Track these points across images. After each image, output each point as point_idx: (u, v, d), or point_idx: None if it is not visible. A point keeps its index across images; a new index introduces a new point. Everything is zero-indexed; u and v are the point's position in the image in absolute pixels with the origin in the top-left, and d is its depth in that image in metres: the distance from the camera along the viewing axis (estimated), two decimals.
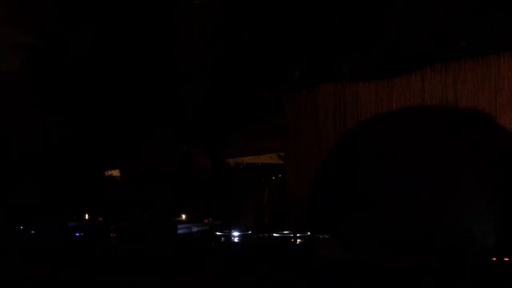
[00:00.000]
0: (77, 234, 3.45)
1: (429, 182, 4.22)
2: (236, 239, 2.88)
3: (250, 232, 2.94)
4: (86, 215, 3.83)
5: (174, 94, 6.18)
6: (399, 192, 4.31)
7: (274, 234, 2.80)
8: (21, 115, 6.39)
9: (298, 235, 2.74)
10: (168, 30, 6.13)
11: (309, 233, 2.81)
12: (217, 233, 2.99)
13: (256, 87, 5.84)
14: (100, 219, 3.69)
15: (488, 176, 4.04)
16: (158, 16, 6.10)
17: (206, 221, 3.42)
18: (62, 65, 6.33)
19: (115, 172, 6.68)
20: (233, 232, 2.90)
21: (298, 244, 2.71)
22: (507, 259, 2.32)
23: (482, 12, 4.47)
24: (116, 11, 6.11)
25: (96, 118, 6.43)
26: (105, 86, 6.33)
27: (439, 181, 4.19)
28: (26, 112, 6.39)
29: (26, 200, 5.79)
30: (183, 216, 3.47)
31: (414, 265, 2.40)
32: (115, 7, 6.12)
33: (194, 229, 3.21)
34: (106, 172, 6.66)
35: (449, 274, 2.35)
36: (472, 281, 2.30)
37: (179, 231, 3.12)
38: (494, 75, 4.26)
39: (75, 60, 6.26)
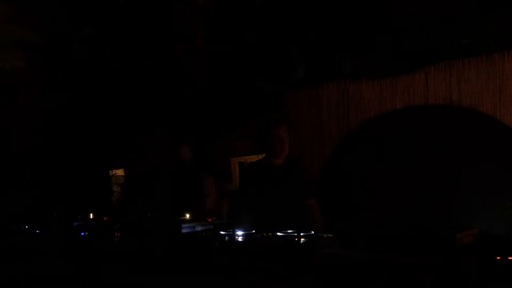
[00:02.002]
0: (82, 234, 3.47)
1: (433, 181, 4.23)
2: (239, 238, 2.90)
3: (254, 231, 2.96)
4: (91, 215, 3.86)
5: (174, 92, 6.20)
6: (403, 190, 4.32)
7: (278, 233, 2.81)
8: (24, 113, 6.42)
9: (301, 234, 2.75)
10: (169, 28, 6.14)
11: (312, 232, 2.82)
12: (221, 232, 3.01)
13: (258, 85, 5.85)
14: (105, 218, 3.72)
15: (493, 174, 4.04)
16: (159, 16, 6.12)
17: (210, 220, 3.44)
18: (63, 63, 6.36)
19: (119, 172, 6.71)
20: (236, 231, 2.91)
21: (302, 243, 2.72)
22: (511, 258, 2.33)
23: (485, 9, 4.46)
24: (116, 10, 6.13)
25: (100, 116, 6.46)
26: (108, 85, 6.36)
27: (443, 180, 4.20)
28: (29, 111, 6.42)
29: (30, 199, 5.81)
30: (187, 215, 3.49)
31: (418, 264, 2.41)
32: (115, 5, 6.14)
33: (198, 228, 3.22)
34: (110, 172, 6.70)
35: (453, 273, 2.35)
36: (476, 280, 2.30)
37: (183, 230, 3.14)
38: (498, 74, 4.27)
39: (77, 59, 6.29)
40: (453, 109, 4.39)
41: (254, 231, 2.97)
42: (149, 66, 6.18)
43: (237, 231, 2.94)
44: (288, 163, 3.56)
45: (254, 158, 6.74)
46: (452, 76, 4.45)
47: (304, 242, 2.75)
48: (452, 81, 4.44)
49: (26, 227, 3.86)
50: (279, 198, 3.43)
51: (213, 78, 6.04)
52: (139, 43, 6.16)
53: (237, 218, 3.44)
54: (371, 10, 5.02)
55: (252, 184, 3.58)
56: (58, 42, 6.34)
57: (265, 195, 3.47)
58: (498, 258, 2.39)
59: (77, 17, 6.26)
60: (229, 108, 5.97)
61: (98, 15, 6.22)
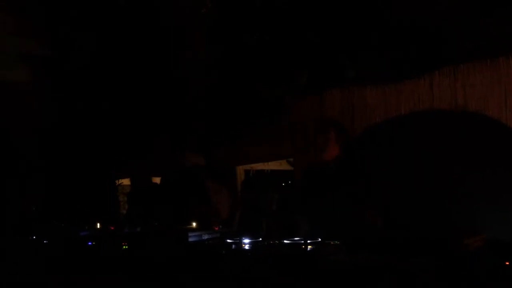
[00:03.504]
0: (89, 243, 3.48)
1: (439, 186, 4.21)
2: (246, 246, 2.90)
3: (260, 239, 2.96)
4: (98, 224, 3.87)
5: (177, 99, 6.21)
6: (408, 196, 4.30)
7: (285, 241, 2.81)
8: (30, 123, 6.46)
9: (308, 241, 2.75)
10: (172, 34, 6.17)
11: (319, 240, 2.82)
12: (228, 241, 3.01)
13: (262, 91, 5.86)
14: (112, 228, 3.73)
15: (499, 179, 4.02)
16: (161, 23, 6.15)
17: (216, 228, 3.44)
18: (67, 72, 6.39)
19: (126, 181, 6.73)
20: (243, 239, 2.91)
21: (309, 250, 2.72)
22: None
23: (489, 11, 4.43)
24: (119, 17, 6.17)
25: (105, 125, 6.48)
26: (111, 93, 6.38)
27: (449, 185, 4.18)
28: (34, 120, 6.45)
29: (37, 209, 5.84)
30: (194, 224, 3.50)
31: (425, 269, 2.40)
32: (118, 12, 6.18)
33: (205, 237, 3.23)
34: (117, 182, 6.71)
35: (460, 278, 2.34)
36: (484, 284, 2.29)
37: (190, 239, 3.14)
38: (503, 78, 4.25)
39: (81, 68, 6.33)
40: (459, 114, 4.37)
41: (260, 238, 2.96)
42: (152, 74, 6.20)
43: (243, 239, 2.94)
44: (344, 167, 3.45)
45: (259, 165, 6.75)
46: (457, 81, 4.44)
47: (311, 250, 2.75)
48: (457, 86, 4.42)
49: (34, 237, 3.87)
50: (339, 206, 3.33)
51: (216, 85, 6.05)
52: (142, 50, 6.19)
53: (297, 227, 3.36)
54: (375, 15, 5.02)
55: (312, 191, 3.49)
56: (61, 49, 6.37)
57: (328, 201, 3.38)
58: (507, 263, 2.38)
59: (79, 25, 6.29)
60: (233, 114, 5.97)
61: (100, 22, 6.25)
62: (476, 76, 4.37)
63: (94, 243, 3.57)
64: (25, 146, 6.51)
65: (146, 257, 3.22)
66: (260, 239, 2.95)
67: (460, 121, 4.36)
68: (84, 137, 6.51)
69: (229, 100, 6.06)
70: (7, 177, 6.25)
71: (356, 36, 5.12)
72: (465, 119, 4.33)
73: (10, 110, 6.32)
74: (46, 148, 6.52)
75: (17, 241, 3.94)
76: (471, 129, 4.29)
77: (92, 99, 6.43)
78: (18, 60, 6.31)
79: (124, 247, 3.39)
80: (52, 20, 6.31)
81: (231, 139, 6.16)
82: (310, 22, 5.41)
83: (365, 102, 4.94)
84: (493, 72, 4.29)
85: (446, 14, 4.59)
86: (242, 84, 5.95)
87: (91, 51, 6.32)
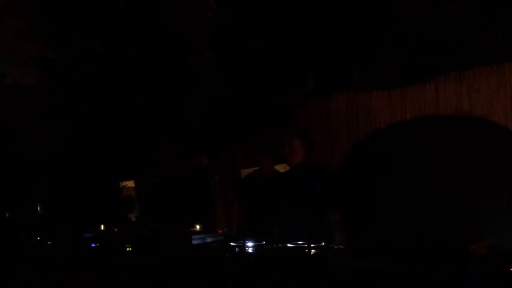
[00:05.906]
0: (92, 245, 3.48)
1: (444, 192, 4.20)
2: (250, 250, 2.89)
3: (264, 242, 2.96)
4: (102, 226, 3.88)
5: (184, 104, 6.23)
6: (414, 201, 4.28)
7: (288, 245, 2.80)
8: (37, 125, 6.49)
9: (312, 245, 2.75)
10: (180, 40, 6.19)
11: (323, 244, 2.81)
12: (231, 244, 3.01)
13: (268, 96, 5.86)
14: (116, 229, 3.74)
15: (506, 184, 4.00)
16: (169, 28, 6.17)
17: (220, 231, 3.45)
18: (75, 76, 6.43)
19: (130, 183, 6.75)
20: (247, 242, 2.91)
21: (312, 254, 2.71)
22: None
23: (490, 11, 4.41)
24: (127, 23, 6.20)
25: (111, 128, 6.50)
26: (118, 97, 6.41)
27: (455, 191, 4.17)
28: (42, 123, 6.49)
29: (41, 210, 5.85)
30: (197, 227, 3.50)
31: (430, 274, 2.38)
32: (126, 18, 6.21)
33: (208, 239, 3.23)
34: (121, 184, 6.72)
35: (466, 284, 2.33)
36: None
37: (194, 242, 3.15)
38: (509, 83, 4.24)
39: (89, 72, 6.36)
40: (464, 119, 4.36)
41: (264, 242, 2.96)
42: (159, 78, 6.23)
43: (247, 242, 2.93)
44: (310, 171, 3.59)
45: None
46: (463, 86, 4.43)
47: (314, 253, 2.74)
48: (462, 91, 4.42)
49: (38, 238, 3.88)
50: (300, 209, 3.42)
51: (223, 90, 6.06)
52: (150, 55, 6.22)
53: (256, 227, 3.44)
54: (380, 20, 5.03)
55: (273, 193, 3.63)
56: (70, 55, 6.41)
57: (286, 205, 3.48)
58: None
59: (88, 30, 6.34)
60: (239, 119, 5.98)
61: (109, 28, 6.29)
62: (482, 81, 4.36)
63: (97, 244, 3.57)
64: (30, 148, 6.54)
65: (150, 259, 3.22)
66: (264, 242, 2.95)
67: (465, 126, 4.35)
68: (89, 139, 6.53)
69: (235, 104, 6.07)
70: (12, 179, 6.28)
71: (361, 41, 5.12)
72: (471, 124, 4.32)
73: (14, 113, 6.36)
74: (50, 151, 6.55)
75: (21, 242, 3.95)
76: (477, 134, 4.28)
77: (98, 102, 6.46)
78: (22, 62, 6.35)
79: (128, 249, 3.39)
80: (62, 26, 6.35)
81: (235, 143, 6.16)
82: (316, 28, 5.42)
83: (370, 106, 4.94)
84: (499, 77, 4.28)
85: (450, 15, 4.58)
86: (247, 89, 5.97)
87: (97, 53, 6.36)
